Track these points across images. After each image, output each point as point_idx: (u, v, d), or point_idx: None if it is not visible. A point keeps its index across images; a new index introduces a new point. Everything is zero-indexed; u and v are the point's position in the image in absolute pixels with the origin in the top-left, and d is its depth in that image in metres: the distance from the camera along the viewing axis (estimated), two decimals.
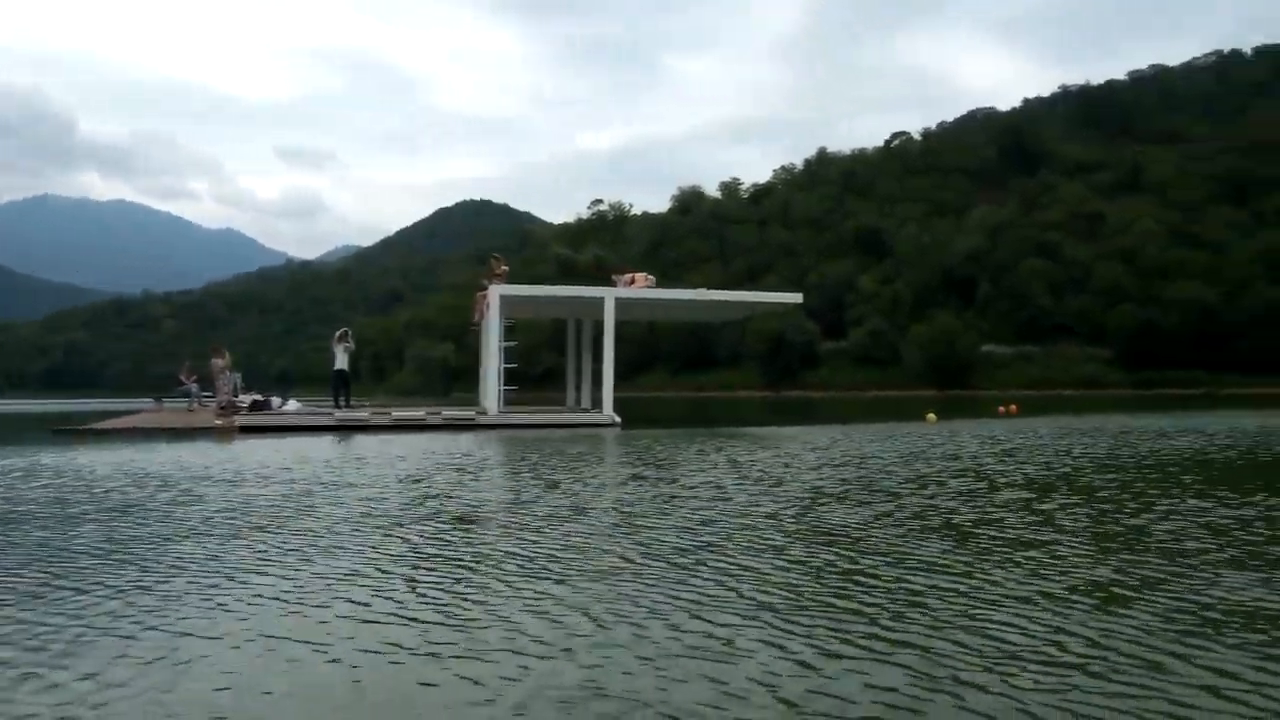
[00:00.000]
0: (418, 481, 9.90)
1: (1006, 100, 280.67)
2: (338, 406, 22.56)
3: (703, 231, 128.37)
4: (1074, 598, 4.56)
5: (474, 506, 8.09)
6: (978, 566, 5.31)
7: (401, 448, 14.63)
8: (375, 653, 3.82)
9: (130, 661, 3.72)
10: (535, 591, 4.80)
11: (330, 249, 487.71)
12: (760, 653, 3.74)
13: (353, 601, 4.64)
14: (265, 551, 5.97)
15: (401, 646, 3.88)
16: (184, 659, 3.75)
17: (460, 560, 5.67)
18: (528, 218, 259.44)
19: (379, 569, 5.42)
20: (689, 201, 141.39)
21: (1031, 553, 5.68)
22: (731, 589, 4.81)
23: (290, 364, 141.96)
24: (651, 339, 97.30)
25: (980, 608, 4.38)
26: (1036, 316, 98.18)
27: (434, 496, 8.65)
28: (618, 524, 6.94)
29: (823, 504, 7.87)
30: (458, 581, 5.09)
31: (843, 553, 5.75)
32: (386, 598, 4.72)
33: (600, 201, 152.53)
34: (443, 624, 4.23)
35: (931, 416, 24.97)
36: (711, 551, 5.80)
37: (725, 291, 25.74)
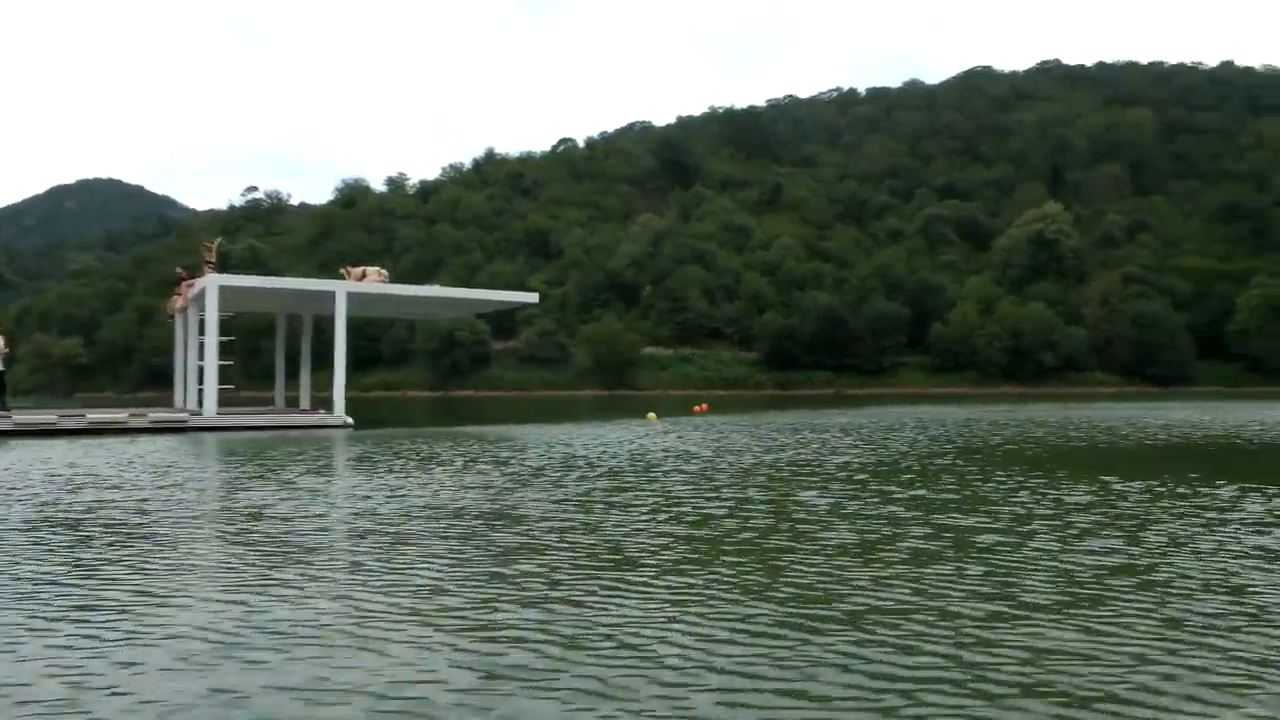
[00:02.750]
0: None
1: (662, 116, 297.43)
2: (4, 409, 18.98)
3: (368, 226, 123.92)
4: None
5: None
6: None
7: (109, 459, 12.56)
8: None
9: None
10: None
11: None
12: None
13: None
14: None
15: None
16: None
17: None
18: (167, 202, 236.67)
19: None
20: (353, 195, 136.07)
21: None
22: None
23: None
24: (295, 336, 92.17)
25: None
26: (693, 320, 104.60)
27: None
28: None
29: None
30: None
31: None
32: None
33: (255, 189, 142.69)
34: None
35: (652, 415, 25.68)
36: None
37: (462, 289, 25.00)
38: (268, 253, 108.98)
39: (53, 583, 5.41)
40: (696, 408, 33.10)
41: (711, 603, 4.85)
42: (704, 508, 8.20)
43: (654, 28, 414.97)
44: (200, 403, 19.99)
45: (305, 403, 25.15)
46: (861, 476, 10.73)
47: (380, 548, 6.42)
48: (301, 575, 5.55)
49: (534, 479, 10.41)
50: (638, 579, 5.40)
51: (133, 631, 4.38)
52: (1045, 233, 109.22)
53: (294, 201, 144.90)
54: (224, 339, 20.19)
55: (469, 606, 4.81)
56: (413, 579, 5.44)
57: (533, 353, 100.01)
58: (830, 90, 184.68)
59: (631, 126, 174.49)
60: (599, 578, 5.44)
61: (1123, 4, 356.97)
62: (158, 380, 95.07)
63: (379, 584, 5.31)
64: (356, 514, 7.91)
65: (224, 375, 20.27)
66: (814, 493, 9.26)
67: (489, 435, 17.88)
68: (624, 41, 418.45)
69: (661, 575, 5.50)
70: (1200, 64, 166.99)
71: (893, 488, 9.64)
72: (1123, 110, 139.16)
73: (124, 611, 4.73)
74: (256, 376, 52.54)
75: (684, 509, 8.15)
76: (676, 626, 4.38)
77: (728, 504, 8.43)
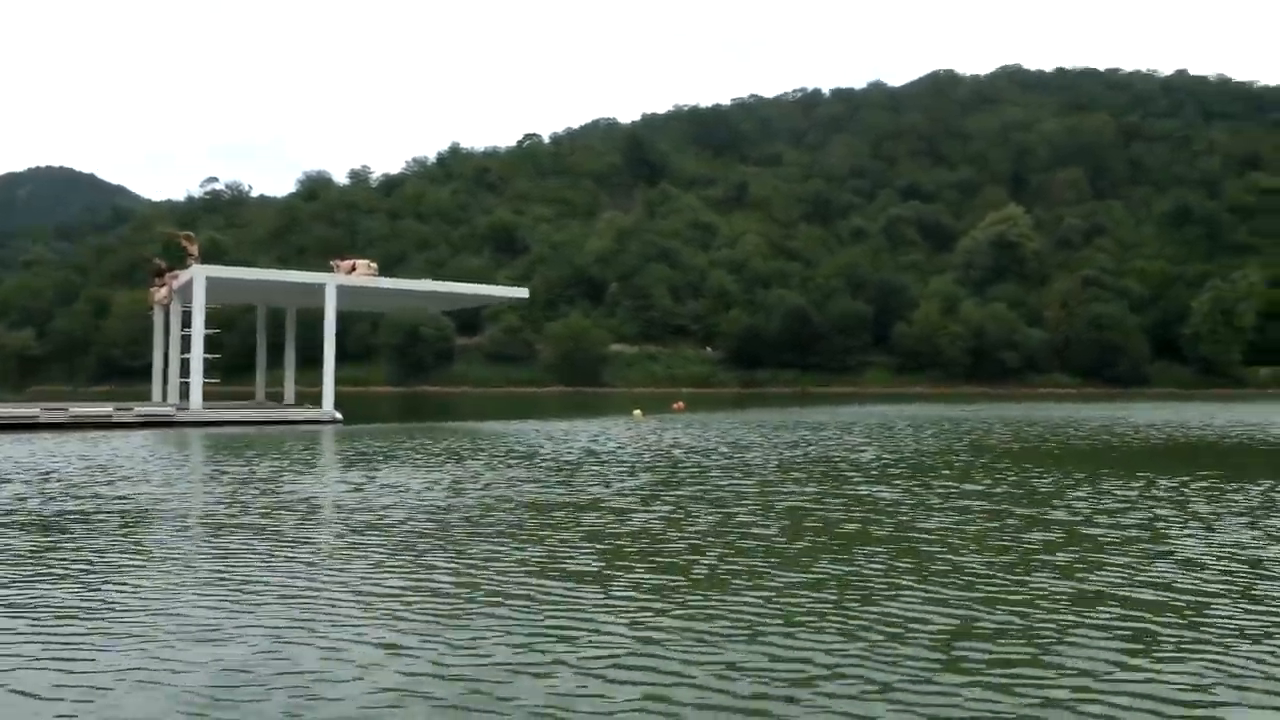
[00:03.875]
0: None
1: (627, 113, 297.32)
2: None
3: (331, 219, 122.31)
4: None
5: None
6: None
7: (104, 452, 12.22)
8: None
9: None
10: None
11: None
12: None
13: None
14: None
15: None
16: None
17: None
18: (121, 192, 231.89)
19: None
20: (315, 187, 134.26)
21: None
22: None
23: None
24: (273, 329, 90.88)
25: None
26: (659, 318, 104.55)
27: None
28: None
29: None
30: None
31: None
32: None
33: (215, 180, 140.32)
34: None
35: (638, 413, 25.62)
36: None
37: (452, 284, 24.72)
38: (229, 245, 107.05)
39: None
40: (675, 405, 33.19)
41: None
42: (811, 504, 8.22)
43: (618, 24, 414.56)
44: (183, 397, 19.57)
45: (290, 397, 24.75)
46: (897, 470, 10.85)
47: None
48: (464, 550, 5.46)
49: (573, 474, 10.33)
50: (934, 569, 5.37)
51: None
52: (1007, 235, 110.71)
53: (254, 194, 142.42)
54: (210, 332, 19.77)
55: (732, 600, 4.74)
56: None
57: (498, 349, 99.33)
58: (795, 90, 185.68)
59: (596, 123, 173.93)
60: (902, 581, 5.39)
61: (1081, 12, 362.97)
62: (113, 374, 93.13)
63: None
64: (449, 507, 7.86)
65: (207, 369, 19.87)
66: (880, 487, 9.36)
67: (486, 431, 17.76)
68: (588, 38, 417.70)
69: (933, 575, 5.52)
70: (1155, 72, 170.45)
71: (948, 484, 9.72)
72: (1082, 115, 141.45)
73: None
74: (225, 370, 51.51)
75: (788, 503, 8.22)
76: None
77: (813, 498, 8.53)
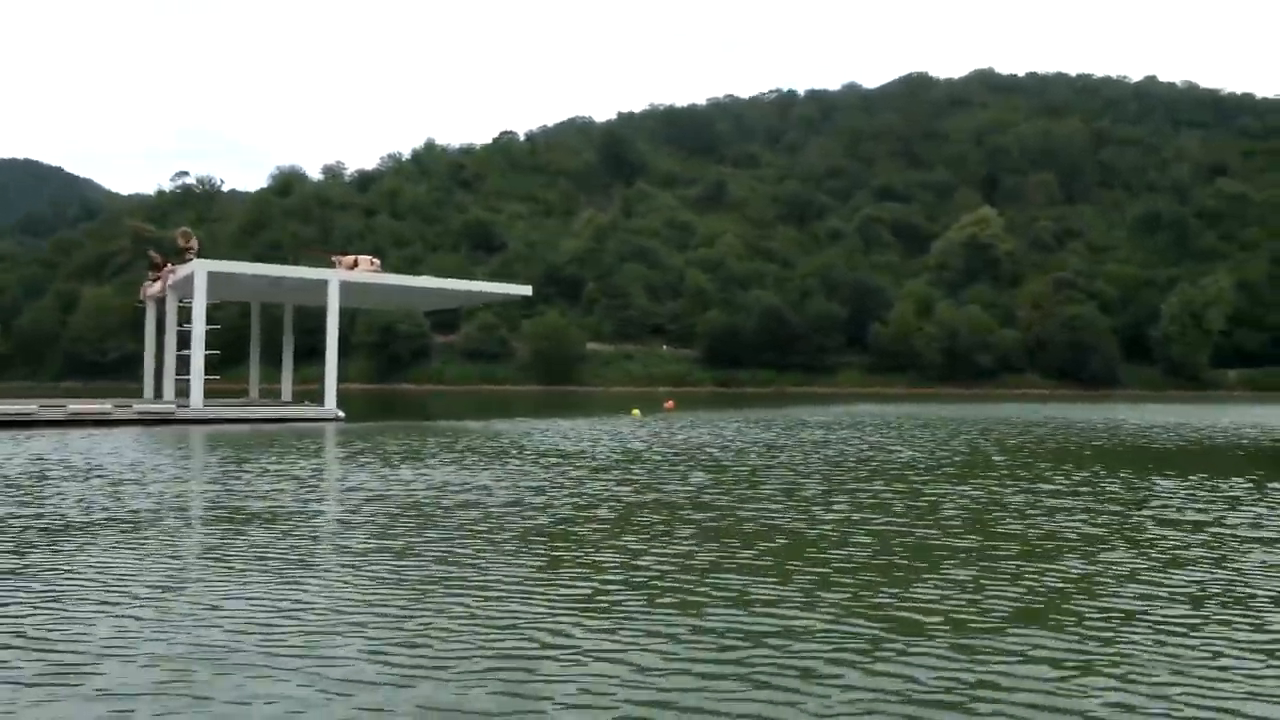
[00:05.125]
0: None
1: (602, 111, 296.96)
2: None
3: (305, 215, 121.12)
4: None
5: None
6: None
7: (105, 451, 11.92)
8: None
9: None
10: None
11: None
12: None
13: None
14: None
15: None
16: None
17: None
18: (89, 185, 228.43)
19: None
20: (289, 182, 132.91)
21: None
22: None
23: None
24: (242, 324, 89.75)
25: None
26: (636, 317, 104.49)
27: None
28: None
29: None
30: None
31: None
32: None
33: (186, 174, 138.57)
34: None
35: (636, 411, 25.55)
36: None
37: (454, 280, 24.53)
38: (201, 240, 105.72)
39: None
40: (666, 404, 33.26)
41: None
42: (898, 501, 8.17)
43: (593, 23, 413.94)
44: (180, 394, 19.22)
45: (287, 394, 24.41)
46: (953, 469, 10.91)
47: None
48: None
49: (631, 471, 10.23)
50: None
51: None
52: (980, 237, 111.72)
53: (226, 188, 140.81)
54: (211, 327, 19.43)
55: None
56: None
57: (474, 347, 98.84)
58: (771, 91, 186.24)
59: (572, 121, 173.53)
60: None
61: (1053, 17, 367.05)
62: (81, 370, 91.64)
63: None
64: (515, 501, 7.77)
65: (206, 366, 19.52)
66: (964, 486, 9.37)
67: (494, 430, 17.57)
68: (564, 36, 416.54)
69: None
70: (1126, 78, 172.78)
71: (1022, 484, 9.78)
72: (1054, 120, 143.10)
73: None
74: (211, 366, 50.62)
75: (915, 501, 8.26)
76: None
77: (912, 496, 8.52)
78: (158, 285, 21.53)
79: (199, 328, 18.62)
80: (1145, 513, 7.85)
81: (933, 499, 8.43)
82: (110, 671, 3.62)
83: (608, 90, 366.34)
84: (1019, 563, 5.77)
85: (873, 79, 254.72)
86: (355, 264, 20.47)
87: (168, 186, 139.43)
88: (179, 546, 6.10)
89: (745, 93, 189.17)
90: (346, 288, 20.14)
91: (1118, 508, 8.11)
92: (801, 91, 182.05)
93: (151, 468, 10.41)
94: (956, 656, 3.85)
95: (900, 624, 4.35)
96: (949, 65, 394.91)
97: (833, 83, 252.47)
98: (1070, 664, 3.78)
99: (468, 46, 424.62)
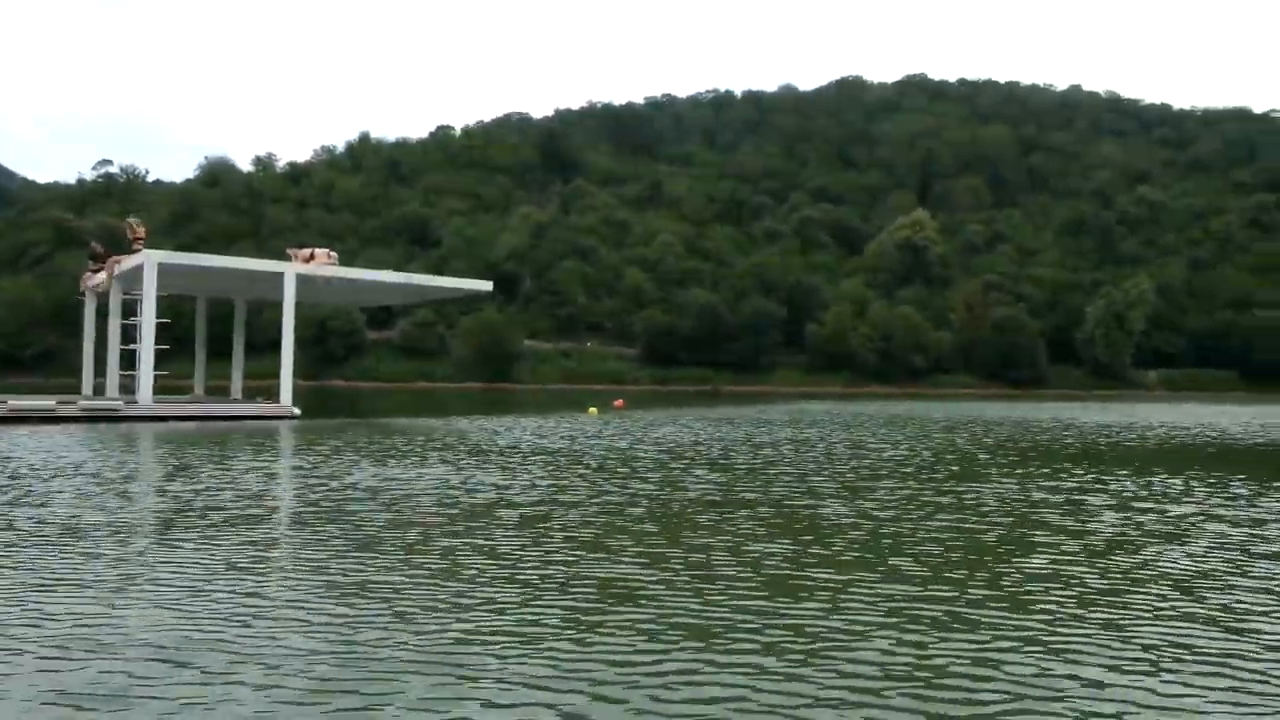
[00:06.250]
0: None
1: (539, 108, 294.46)
2: None
3: (235, 207, 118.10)
4: None
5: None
6: None
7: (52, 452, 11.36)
8: None
9: None
10: None
11: None
12: None
13: None
14: None
15: None
16: None
17: None
18: (3, 172, 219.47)
19: None
20: (217, 174, 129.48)
21: None
22: None
23: None
24: (176, 320, 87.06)
25: None
26: (574, 315, 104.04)
27: None
28: None
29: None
30: None
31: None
32: None
33: (109, 163, 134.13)
34: None
35: (593, 410, 25.36)
36: None
37: (415, 275, 23.93)
38: (124, 231, 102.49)
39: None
40: (616, 403, 33.11)
41: None
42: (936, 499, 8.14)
43: (529, 19, 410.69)
44: (124, 390, 18.50)
45: (237, 391, 23.68)
46: (952, 469, 10.98)
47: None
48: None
49: (634, 471, 10.07)
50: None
51: None
52: (914, 239, 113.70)
53: (150, 178, 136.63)
54: (161, 321, 18.69)
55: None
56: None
57: (410, 344, 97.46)
58: (708, 91, 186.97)
59: (509, 117, 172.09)
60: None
61: (984, 26, 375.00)
62: None
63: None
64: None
65: (154, 361, 18.81)
66: (974, 484, 9.40)
67: (458, 429, 17.28)
68: (500, 31, 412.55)
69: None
70: (1052, 86, 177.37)
71: (1036, 480, 9.84)
72: (983, 125, 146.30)
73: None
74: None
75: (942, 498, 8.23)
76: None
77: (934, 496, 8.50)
78: (100, 276, 20.69)
79: (149, 321, 17.89)
80: (1173, 510, 8.03)
81: (971, 497, 8.46)
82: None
83: (546, 87, 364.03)
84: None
85: (808, 81, 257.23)
86: (312, 257, 19.91)
87: (89, 175, 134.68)
88: (170, 556, 5.81)
89: (683, 92, 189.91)
90: (302, 281, 19.55)
91: (1135, 504, 8.23)
92: (739, 92, 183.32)
93: (111, 467, 9.96)
94: None
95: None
96: (882, 70, 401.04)
97: (769, 84, 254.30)
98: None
99: (403, 39, 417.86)
